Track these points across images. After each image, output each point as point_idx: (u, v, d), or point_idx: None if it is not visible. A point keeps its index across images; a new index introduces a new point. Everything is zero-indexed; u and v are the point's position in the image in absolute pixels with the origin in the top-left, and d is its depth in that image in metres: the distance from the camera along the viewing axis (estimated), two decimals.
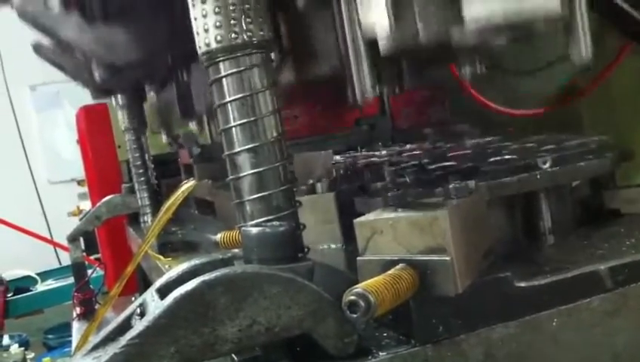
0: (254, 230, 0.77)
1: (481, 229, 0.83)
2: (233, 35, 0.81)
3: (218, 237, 1.03)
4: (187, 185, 1.56)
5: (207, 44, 0.82)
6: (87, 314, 2.29)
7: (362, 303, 0.65)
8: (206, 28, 0.82)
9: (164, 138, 2.34)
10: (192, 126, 2.05)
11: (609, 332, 0.80)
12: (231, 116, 0.84)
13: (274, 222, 0.81)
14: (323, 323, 0.72)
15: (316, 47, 1.04)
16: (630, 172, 1.12)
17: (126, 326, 0.74)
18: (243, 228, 0.80)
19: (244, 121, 0.83)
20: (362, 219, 0.79)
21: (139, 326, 0.67)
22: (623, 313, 0.81)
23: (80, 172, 3.35)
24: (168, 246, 1.61)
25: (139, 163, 2.03)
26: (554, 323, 0.78)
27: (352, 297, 0.65)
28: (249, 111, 0.83)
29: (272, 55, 0.87)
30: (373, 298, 0.65)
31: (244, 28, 0.81)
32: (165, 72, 1.71)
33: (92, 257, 3.58)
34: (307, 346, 0.73)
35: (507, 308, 0.77)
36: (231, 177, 0.85)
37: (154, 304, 0.71)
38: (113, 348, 0.67)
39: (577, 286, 0.80)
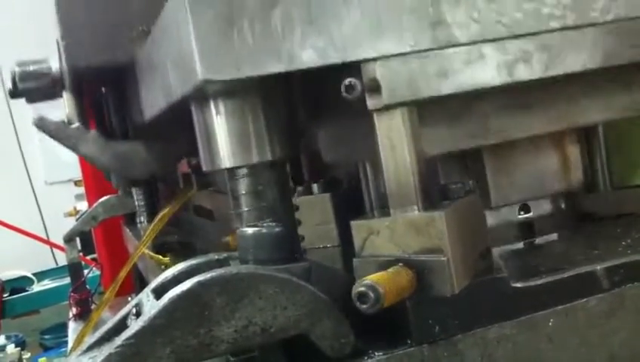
0: (250, 230, 0.77)
1: (478, 229, 0.82)
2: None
3: (229, 238, 1.03)
4: (184, 194, 1.57)
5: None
6: (84, 315, 2.29)
7: (372, 294, 0.65)
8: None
9: None
10: None
11: (605, 333, 0.80)
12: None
13: (270, 223, 0.81)
14: (319, 324, 0.71)
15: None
16: (626, 173, 1.12)
17: (122, 326, 0.74)
18: (239, 229, 0.79)
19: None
20: (358, 219, 0.79)
21: (134, 326, 0.67)
22: (619, 313, 0.81)
23: (77, 172, 3.35)
24: (164, 247, 1.61)
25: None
26: (550, 324, 0.78)
27: (362, 288, 0.66)
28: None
29: None
30: (382, 289, 0.65)
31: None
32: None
33: (88, 257, 3.57)
34: (303, 347, 0.73)
35: (503, 308, 0.77)
36: (228, 179, 0.85)
37: (149, 304, 0.71)
38: (109, 348, 0.67)
39: (573, 286, 0.80)
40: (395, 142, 0.73)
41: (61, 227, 2.74)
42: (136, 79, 1.10)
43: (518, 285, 0.78)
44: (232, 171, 0.82)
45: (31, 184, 6.25)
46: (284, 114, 0.83)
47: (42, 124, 1.23)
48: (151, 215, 1.88)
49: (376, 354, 0.74)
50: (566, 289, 0.80)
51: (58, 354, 4.29)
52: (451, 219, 0.73)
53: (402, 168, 0.74)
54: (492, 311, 0.77)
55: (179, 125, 0.98)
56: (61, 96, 1.23)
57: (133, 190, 2.02)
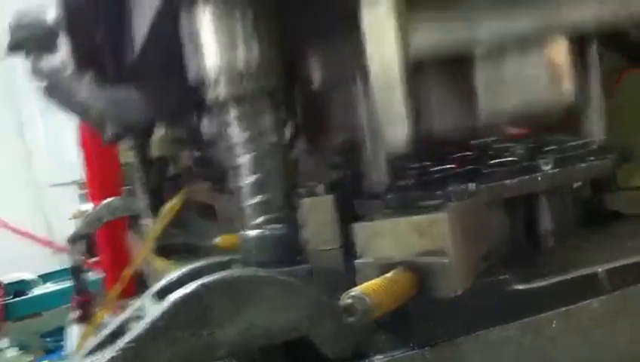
0: (253, 233, 0.77)
1: (481, 231, 0.82)
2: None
3: (218, 240, 1.02)
4: (185, 191, 1.57)
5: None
6: (86, 317, 2.29)
7: (359, 306, 0.64)
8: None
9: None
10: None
11: (609, 334, 0.80)
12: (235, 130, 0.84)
13: (273, 225, 0.81)
14: (321, 327, 0.71)
15: (331, 124, 1.05)
16: (631, 173, 1.12)
17: (124, 329, 0.74)
18: (241, 232, 0.79)
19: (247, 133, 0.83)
20: (361, 221, 0.79)
21: (136, 329, 0.67)
22: (622, 315, 0.81)
23: (82, 174, 3.35)
24: (168, 249, 1.61)
25: (140, 166, 2.03)
26: (553, 325, 0.78)
27: (349, 300, 0.65)
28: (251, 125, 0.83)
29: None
30: (370, 301, 0.65)
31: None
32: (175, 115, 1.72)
33: (92, 260, 3.57)
34: (305, 349, 0.73)
35: (506, 310, 0.77)
36: (232, 180, 0.85)
37: (152, 307, 0.71)
38: (110, 351, 0.67)
39: (576, 288, 0.80)
40: (381, 33, 0.73)
41: (65, 229, 2.75)
42: (129, 13, 1.09)
43: (521, 287, 0.78)
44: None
45: (35, 185, 6.25)
46: (274, 24, 0.83)
47: (37, 70, 1.22)
48: (155, 217, 1.88)
49: (377, 356, 0.74)
50: (569, 291, 0.80)
51: (60, 357, 4.29)
52: (454, 220, 0.73)
53: (388, 58, 0.73)
54: (495, 312, 0.77)
55: (172, 68, 0.98)
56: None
57: (138, 193, 2.02)
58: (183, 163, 2.16)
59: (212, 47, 0.80)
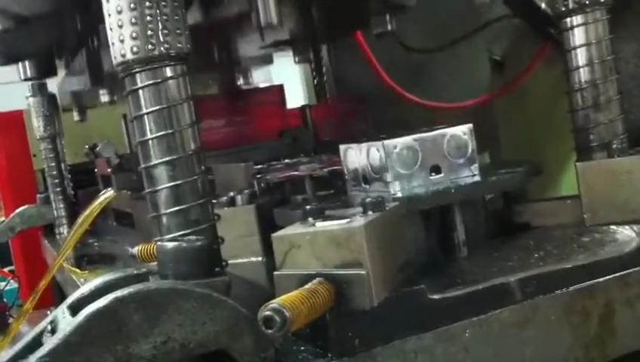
0: (170, 245, 0.76)
1: (398, 242, 0.84)
2: (150, 47, 0.80)
3: (135, 250, 1.01)
4: (105, 196, 1.53)
5: (123, 55, 0.81)
6: (1, 329, 2.21)
7: (278, 318, 0.65)
8: (122, 39, 0.80)
9: (75, 116, 2.29)
10: (103, 97, 2.01)
11: (519, 343, 0.83)
12: (147, 128, 0.83)
13: (190, 237, 0.80)
14: (240, 339, 0.71)
15: None
16: (543, 186, 1.17)
17: (37, 343, 0.72)
18: (159, 243, 0.79)
19: (161, 133, 0.82)
20: (280, 233, 0.79)
21: (49, 344, 0.66)
22: (532, 324, 0.84)
23: None
24: (85, 259, 1.57)
25: (55, 172, 1.98)
26: (466, 334, 0.80)
27: (268, 313, 0.65)
28: (166, 124, 0.82)
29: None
30: (288, 313, 0.65)
31: (162, 40, 0.81)
32: (74, 36, 1.65)
33: (6, 269, 3.45)
34: None
35: (421, 319, 0.79)
36: (147, 190, 0.84)
37: (65, 321, 0.70)
38: None
39: (488, 297, 0.83)
40: None
41: None
42: None
43: (436, 297, 0.80)
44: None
45: None
46: None
47: None
48: (71, 225, 1.84)
49: None
50: (481, 301, 0.82)
51: None
52: (371, 232, 0.74)
53: None
54: (410, 322, 0.78)
55: None
56: None
57: (53, 201, 1.97)
58: (100, 170, 2.11)
59: None
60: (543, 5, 1.19)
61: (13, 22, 1.52)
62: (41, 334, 0.74)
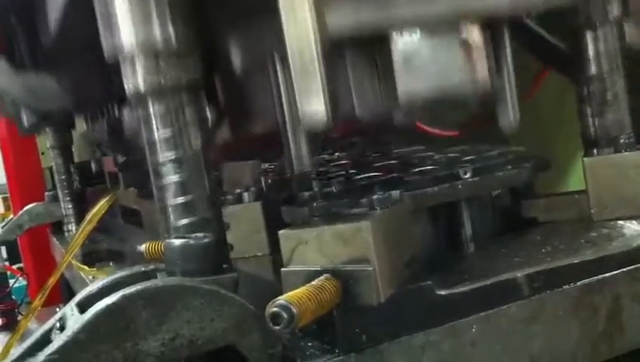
0: (177, 242, 0.77)
1: (404, 239, 0.84)
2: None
3: (143, 247, 1.01)
4: (112, 194, 1.54)
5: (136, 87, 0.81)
6: (10, 326, 2.23)
7: (285, 315, 0.65)
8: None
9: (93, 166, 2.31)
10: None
11: (527, 338, 0.83)
12: (154, 126, 0.83)
13: (198, 234, 0.80)
14: (247, 335, 0.72)
15: (253, 108, 1.05)
16: (550, 181, 1.16)
17: (46, 340, 0.72)
18: (166, 240, 0.79)
19: (169, 130, 0.82)
20: (287, 230, 0.80)
21: (57, 341, 0.66)
22: (540, 319, 0.84)
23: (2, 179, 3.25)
24: (93, 256, 1.58)
25: (62, 170, 1.99)
26: (473, 330, 0.80)
27: (275, 309, 0.65)
28: (173, 121, 0.82)
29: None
30: (295, 309, 0.65)
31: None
32: (95, 106, 1.67)
33: (14, 267, 3.47)
34: (232, 358, 0.73)
35: (428, 315, 0.79)
36: (155, 187, 0.84)
37: (73, 318, 0.70)
38: None
39: (496, 293, 0.83)
40: (296, 12, 0.73)
41: None
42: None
43: (443, 292, 0.80)
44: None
45: None
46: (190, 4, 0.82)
47: None
48: (79, 223, 1.85)
49: None
50: (488, 296, 0.82)
51: None
52: (377, 228, 0.74)
53: (304, 36, 0.73)
54: (418, 318, 0.78)
55: (89, 58, 0.95)
56: None
57: (61, 198, 1.98)
58: (107, 167, 2.12)
59: (126, 23, 0.78)
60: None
61: (37, 118, 1.54)
62: (49, 331, 0.74)
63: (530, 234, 1.05)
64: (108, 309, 0.66)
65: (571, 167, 1.69)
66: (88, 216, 1.51)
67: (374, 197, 0.81)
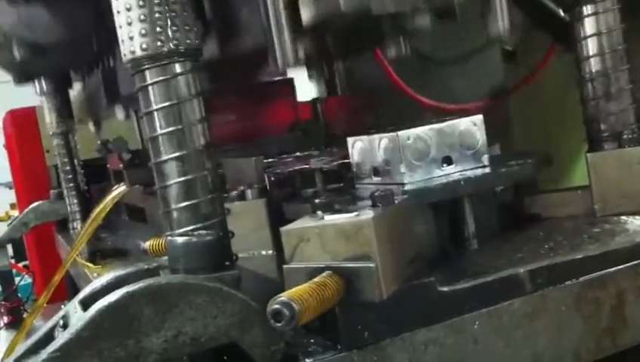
0: (180, 239, 0.77)
1: (407, 235, 0.84)
2: (159, 44, 0.80)
3: (147, 244, 1.01)
4: (117, 191, 1.53)
5: (133, 52, 0.81)
6: (16, 323, 2.23)
7: (286, 312, 0.65)
8: (131, 36, 0.81)
9: (90, 127, 2.30)
10: (119, 114, 2.02)
11: (529, 334, 0.83)
12: (157, 124, 0.83)
13: (201, 231, 0.80)
14: (250, 332, 0.72)
15: (239, 20, 1.04)
16: (554, 177, 1.16)
17: (49, 338, 0.72)
18: (169, 238, 0.79)
19: (171, 129, 0.83)
20: (289, 226, 0.80)
21: (61, 338, 0.66)
22: (542, 315, 0.84)
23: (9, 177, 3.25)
24: (98, 254, 1.58)
25: (68, 168, 1.99)
26: (476, 326, 0.80)
27: (276, 306, 0.66)
28: (176, 120, 0.83)
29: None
30: (297, 306, 0.65)
31: (170, 36, 0.81)
32: (90, 56, 1.66)
33: (20, 264, 3.48)
34: (234, 355, 0.73)
35: (431, 312, 0.79)
36: (158, 185, 0.85)
37: (77, 316, 0.70)
38: (35, 361, 0.66)
39: (498, 289, 0.83)
40: None
41: None
42: None
43: (445, 289, 0.80)
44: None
45: None
46: None
47: None
48: (84, 221, 1.85)
49: (306, 360, 0.75)
50: (491, 292, 0.82)
51: None
52: (380, 225, 0.74)
53: None
54: (420, 314, 0.78)
55: None
56: None
57: (66, 196, 1.98)
58: (112, 165, 2.13)
59: None
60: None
61: (30, 51, 1.53)
62: (53, 329, 0.75)
63: (532, 229, 1.05)
64: (111, 306, 0.66)
65: (576, 163, 1.68)
66: (93, 214, 1.51)
67: (377, 193, 0.80)
